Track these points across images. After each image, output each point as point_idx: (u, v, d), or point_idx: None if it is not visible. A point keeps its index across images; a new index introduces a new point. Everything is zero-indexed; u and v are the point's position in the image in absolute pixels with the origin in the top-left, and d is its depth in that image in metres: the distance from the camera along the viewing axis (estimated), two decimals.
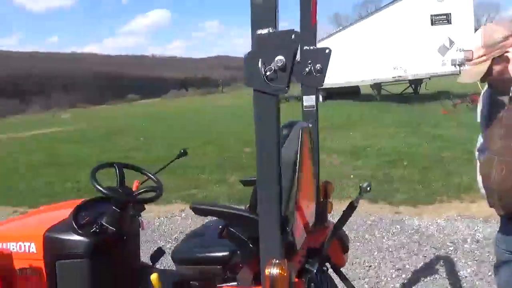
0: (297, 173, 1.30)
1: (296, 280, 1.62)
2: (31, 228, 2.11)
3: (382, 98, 19.54)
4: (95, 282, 1.98)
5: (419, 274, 3.32)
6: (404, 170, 6.43)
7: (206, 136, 11.72)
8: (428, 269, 3.39)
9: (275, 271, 1.27)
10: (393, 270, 3.44)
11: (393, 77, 17.18)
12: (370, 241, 4.07)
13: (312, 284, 1.66)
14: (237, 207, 1.58)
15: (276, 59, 1.23)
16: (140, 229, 2.39)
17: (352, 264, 3.61)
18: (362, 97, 22.75)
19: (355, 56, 19.27)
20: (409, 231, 4.20)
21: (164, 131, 14.18)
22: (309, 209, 1.54)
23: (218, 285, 1.68)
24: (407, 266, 3.48)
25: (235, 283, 1.67)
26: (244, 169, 7.38)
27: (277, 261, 1.30)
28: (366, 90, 22.43)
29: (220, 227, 1.67)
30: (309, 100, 2.08)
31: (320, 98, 27.12)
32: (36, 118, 31.30)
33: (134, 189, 2.41)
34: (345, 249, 2.14)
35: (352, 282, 3.25)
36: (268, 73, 1.26)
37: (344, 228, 4.28)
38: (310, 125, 1.92)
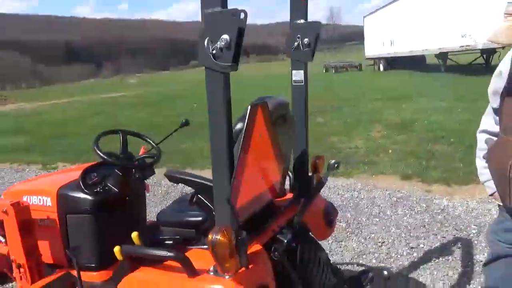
0: (240, 149, 1.36)
1: (259, 247, 1.72)
2: (49, 185, 2.39)
3: (448, 69, 18.24)
4: (99, 235, 2.23)
5: (432, 255, 3.25)
6: (447, 147, 6.11)
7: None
8: (443, 250, 3.30)
9: (216, 237, 1.37)
10: (406, 248, 3.39)
11: (460, 46, 15.83)
12: (390, 217, 4.01)
13: (280, 252, 1.74)
14: (208, 177, 1.68)
15: (221, 37, 1.28)
16: (146, 192, 2.62)
17: (366, 239, 3.62)
18: (427, 67, 21.40)
19: (420, 23, 18.05)
20: (435, 211, 4.06)
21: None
22: (266, 184, 1.60)
23: (190, 247, 1.82)
24: (421, 245, 3.41)
25: (206, 246, 1.80)
26: None
27: (221, 228, 1.40)
28: (432, 60, 21.02)
29: (191, 194, 1.80)
30: (297, 75, 2.07)
31: (381, 67, 26.11)
32: (108, 82, 33.29)
33: (140, 153, 2.62)
34: (329, 223, 2.18)
35: (361, 257, 3.32)
36: (214, 51, 1.32)
37: (367, 202, 4.33)
38: (285, 101, 1.94)
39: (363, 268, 3.10)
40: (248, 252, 1.67)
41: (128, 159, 2.28)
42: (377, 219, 3.99)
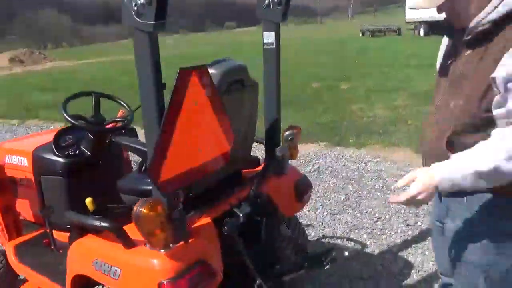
0: (164, 118, 1.26)
1: (208, 221, 1.66)
2: (27, 145, 2.40)
3: None
4: (71, 197, 2.24)
5: (428, 234, 3.09)
6: None
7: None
8: None
9: (140, 209, 1.31)
10: (402, 226, 3.24)
11: None
12: (393, 193, 3.83)
13: (231, 227, 1.67)
14: None
15: None
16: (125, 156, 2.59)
17: (362, 213, 3.49)
18: None
19: None
20: None
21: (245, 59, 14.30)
22: (213, 154, 1.50)
23: None
24: (419, 223, 3.25)
25: None
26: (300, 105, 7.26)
27: (148, 200, 1.34)
28: None
29: (140, 162, 1.74)
30: (269, 37, 1.91)
31: (422, 32, 24.54)
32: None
33: (118, 116, 2.58)
34: (298, 198, 2.07)
35: (352, 231, 3.21)
36: (135, 8, 1.21)
37: (373, 175, 4.16)
38: (242, 65, 1.79)
39: (342, 244, 3.01)
40: (195, 226, 1.62)
41: (99, 122, 2.24)
42: (379, 193, 3.84)
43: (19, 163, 2.37)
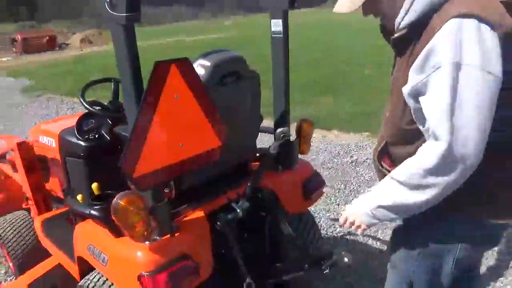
0: (138, 112, 1.24)
1: (200, 215, 1.63)
2: (56, 127, 2.53)
3: None
4: (90, 180, 2.34)
5: None
6: None
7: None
8: None
9: (118, 201, 1.31)
10: None
11: None
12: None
13: (224, 222, 1.64)
14: None
15: None
16: None
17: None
18: None
19: None
20: None
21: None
22: (201, 148, 1.45)
23: None
24: None
25: None
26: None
27: (128, 193, 1.34)
28: None
29: None
30: (276, 25, 1.80)
31: None
32: (208, 23, 34.04)
33: None
34: (306, 195, 1.98)
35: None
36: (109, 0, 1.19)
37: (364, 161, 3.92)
38: (238, 56, 1.71)
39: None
40: (185, 219, 1.61)
41: (115, 108, 2.29)
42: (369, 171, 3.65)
43: (49, 143, 2.51)
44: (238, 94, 1.70)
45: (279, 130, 1.83)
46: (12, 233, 2.63)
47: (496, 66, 1.01)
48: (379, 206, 1.21)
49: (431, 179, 1.08)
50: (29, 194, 2.50)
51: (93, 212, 1.58)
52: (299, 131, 2.01)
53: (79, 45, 21.52)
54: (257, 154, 2.04)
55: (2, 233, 2.66)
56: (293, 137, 1.99)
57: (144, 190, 1.36)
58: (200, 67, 1.57)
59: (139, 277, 1.40)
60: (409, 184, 1.13)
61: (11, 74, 12.79)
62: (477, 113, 1.01)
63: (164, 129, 1.31)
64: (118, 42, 1.26)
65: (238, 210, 1.70)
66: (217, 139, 1.49)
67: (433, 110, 1.05)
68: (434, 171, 1.07)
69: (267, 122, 2.11)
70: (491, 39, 1.01)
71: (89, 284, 1.68)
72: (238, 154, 1.84)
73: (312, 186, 2.01)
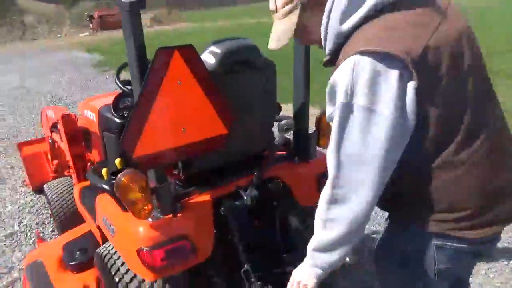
0: (138, 94, 1.29)
1: (205, 199, 1.67)
2: (98, 103, 2.71)
3: None
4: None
5: None
6: None
7: None
8: None
9: (121, 178, 1.39)
10: None
11: None
12: None
13: (228, 208, 1.68)
14: None
15: None
16: None
17: None
18: None
19: None
20: None
21: None
22: (205, 135, 1.48)
23: None
24: None
25: None
26: None
27: (132, 170, 1.41)
28: None
29: None
30: None
31: None
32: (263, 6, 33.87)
33: None
34: (321, 189, 1.93)
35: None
36: None
37: None
38: (250, 44, 1.68)
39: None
40: (190, 201, 1.66)
41: None
42: None
43: (91, 118, 2.70)
44: (249, 83, 1.70)
45: (282, 122, 1.81)
46: (57, 196, 2.89)
47: (388, 105, 0.96)
48: (312, 251, 1.18)
49: (332, 213, 1.10)
50: (70, 163, 2.71)
51: (104, 186, 1.69)
52: (318, 123, 1.97)
53: (149, 24, 22.45)
54: (276, 144, 2.03)
55: (49, 195, 2.94)
56: (312, 129, 1.96)
57: (143, 170, 1.42)
58: (211, 54, 1.59)
59: (138, 251, 1.48)
60: (320, 219, 1.14)
61: (86, 50, 13.74)
62: (360, 151, 1.01)
63: (166, 113, 1.36)
64: (125, 27, 1.31)
65: (245, 198, 1.72)
66: (223, 127, 1.52)
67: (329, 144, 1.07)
68: (331, 206, 1.09)
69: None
70: (387, 78, 0.96)
71: (104, 252, 1.81)
72: (250, 143, 1.85)
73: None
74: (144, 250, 1.47)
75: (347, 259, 1.65)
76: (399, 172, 1.06)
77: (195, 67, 1.37)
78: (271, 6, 1.16)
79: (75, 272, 2.24)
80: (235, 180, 1.78)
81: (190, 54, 1.35)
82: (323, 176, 1.97)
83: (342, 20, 1.05)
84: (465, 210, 1.09)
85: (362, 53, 0.97)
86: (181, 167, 1.67)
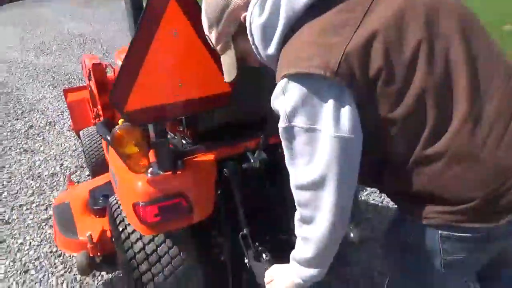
0: (130, 44, 1.20)
1: (209, 158, 1.61)
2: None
3: None
4: None
5: None
6: None
7: None
8: None
9: (115, 130, 1.35)
10: None
11: None
12: None
13: (232, 170, 1.61)
14: None
15: None
16: None
17: None
18: None
19: None
20: None
21: None
22: (185, 90, 1.38)
23: None
24: None
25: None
26: None
27: (129, 123, 1.37)
28: None
29: None
30: None
31: None
32: None
33: None
34: None
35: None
36: None
37: None
38: None
39: None
40: (193, 160, 1.61)
41: None
42: None
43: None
44: None
45: None
46: (90, 143, 2.99)
47: (328, 123, 0.90)
48: (294, 261, 1.13)
49: (303, 232, 1.05)
50: (100, 112, 2.77)
51: (108, 138, 1.68)
52: None
53: None
54: None
55: (84, 141, 3.05)
56: None
57: (135, 124, 1.37)
58: None
59: (134, 205, 1.47)
60: (298, 235, 1.10)
61: None
62: (311, 173, 0.95)
63: (160, 66, 1.27)
64: None
65: (252, 161, 1.64)
66: (226, 84, 1.41)
67: None
68: (302, 224, 1.05)
69: None
70: (318, 97, 0.90)
71: (113, 202, 1.83)
72: (264, 104, 1.73)
73: None
74: (140, 204, 1.45)
75: (351, 235, 1.54)
76: (387, 171, 1.01)
77: (194, 17, 1.26)
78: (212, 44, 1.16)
79: (97, 216, 2.33)
80: (244, 141, 1.69)
81: (188, 2, 1.24)
82: None
83: (265, 46, 1.01)
84: (469, 201, 0.94)
85: (287, 77, 0.92)
86: (185, 124, 1.61)
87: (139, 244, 1.62)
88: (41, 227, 2.84)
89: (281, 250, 1.75)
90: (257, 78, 1.43)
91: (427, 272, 1.12)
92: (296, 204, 1.04)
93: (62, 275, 2.40)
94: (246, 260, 1.57)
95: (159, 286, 1.63)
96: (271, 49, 1.01)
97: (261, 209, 1.72)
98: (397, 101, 0.91)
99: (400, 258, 1.16)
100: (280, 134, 0.98)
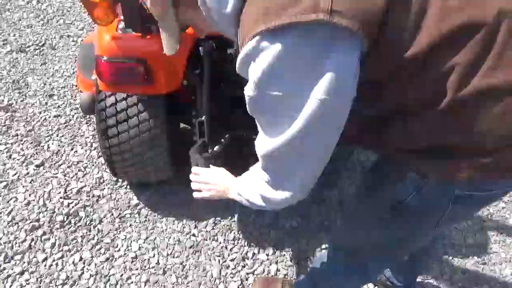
0: None
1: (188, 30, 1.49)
2: None
3: None
4: None
5: None
6: None
7: None
8: None
9: None
10: None
11: None
12: None
13: (209, 47, 1.50)
14: None
15: None
16: None
17: None
18: None
19: None
20: None
21: None
22: None
23: None
24: None
25: None
26: None
27: None
28: None
29: None
30: None
31: None
32: None
33: None
34: None
35: None
36: None
37: None
38: None
39: None
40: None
41: None
42: None
43: None
44: None
45: None
46: None
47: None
48: (234, 186, 1.13)
49: (259, 188, 0.98)
50: None
51: None
52: None
53: None
54: None
55: None
56: None
57: None
58: None
59: (97, 57, 1.46)
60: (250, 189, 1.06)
61: None
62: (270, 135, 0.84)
63: None
64: None
65: (235, 48, 1.51)
66: None
67: None
68: (261, 181, 0.98)
69: None
70: (297, 53, 0.71)
71: None
72: None
73: None
74: (101, 59, 1.44)
75: None
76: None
77: None
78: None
79: None
80: None
81: None
82: None
83: (220, 3, 0.79)
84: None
85: (262, 34, 0.71)
86: None
87: (112, 99, 1.66)
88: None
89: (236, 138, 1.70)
90: None
91: (416, 230, 1.05)
92: (260, 167, 0.93)
93: (77, 108, 2.61)
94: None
95: (123, 144, 1.71)
96: (229, 5, 0.78)
97: (228, 97, 1.64)
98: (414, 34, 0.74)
99: (385, 219, 1.05)
100: (247, 104, 0.81)
